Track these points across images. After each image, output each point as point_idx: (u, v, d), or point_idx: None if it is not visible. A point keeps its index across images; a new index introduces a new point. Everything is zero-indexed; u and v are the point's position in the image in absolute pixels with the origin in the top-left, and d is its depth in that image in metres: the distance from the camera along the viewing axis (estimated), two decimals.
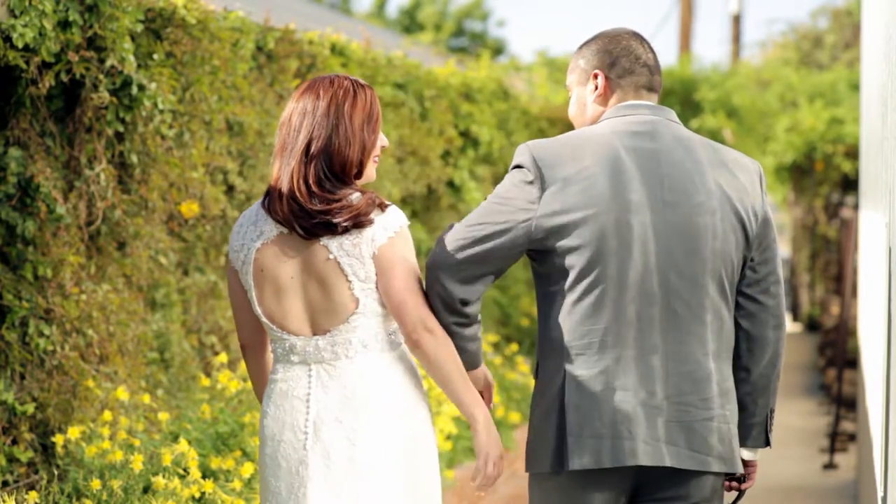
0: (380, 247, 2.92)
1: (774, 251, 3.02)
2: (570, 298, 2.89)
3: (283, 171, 2.95)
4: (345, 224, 2.89)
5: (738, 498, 3.15)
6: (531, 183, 2.88)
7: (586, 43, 3.08)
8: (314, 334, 2.98)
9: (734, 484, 3.10)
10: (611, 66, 3.02)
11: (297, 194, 2.91)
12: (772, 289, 3.02)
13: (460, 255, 2.89)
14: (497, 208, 2.89)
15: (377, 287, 2.95)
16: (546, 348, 2.95)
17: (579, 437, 2.85)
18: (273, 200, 2.95)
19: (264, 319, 3.02)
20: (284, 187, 2.93)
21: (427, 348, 2.91)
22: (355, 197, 2.91)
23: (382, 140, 3.05)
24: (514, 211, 2.87)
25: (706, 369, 2.91)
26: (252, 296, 3.02)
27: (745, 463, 3.10)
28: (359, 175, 2.98)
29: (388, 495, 2.95)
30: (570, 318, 2.89)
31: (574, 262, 2.86)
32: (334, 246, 2.92)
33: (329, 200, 2.90)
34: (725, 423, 2.93)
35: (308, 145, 2.93)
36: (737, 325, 3.02)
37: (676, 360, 2.89)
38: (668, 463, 2.86)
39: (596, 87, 3.03)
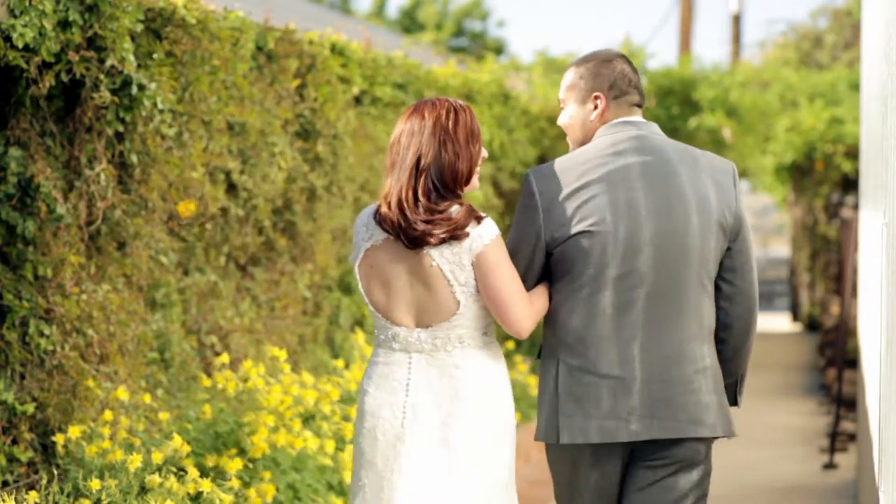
0: (477, 254, 3.30)
1: (748, 241, 3.43)
2: (567, 296, 3.35)
3: (393, 185, 3.32)
4: (443, 236, 3.28)
5: None
6: (534, 206, 3.34)
7: (583, 62, 3.49)
8: (417, 327, 3.38)
9: None
10: (609, 88, 3.44)
11: (405, 204, 3.29)
12: (747, 275, 3.43)
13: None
14: (517, 236, 3.38)
15: (476, 290, 3.34)
16: (546, 338, 3.43)
17: (570, 419, 3.33)
18: (382, 212, 3.33)
19: (372, 308, 3.42)
20: (393, 200, 3.31)
21: (525, 335, 3.36)
22: (455, 210, 3.30)
23: (483, 152, 3.40)
24: (529, 234, 3.36)
25: (683, 352, 3.34)
26: (361, 287, 3.42)
27: None
28: (467, 183, 3.36)
29: (474, 472, 3.37)
30: (564, 312, 3.36)
31: (570, 265, 3.32)
32: (436, 254, 3.30)
33: (433, 211, 3.29)
34: (707, 395, 3.36)
35: (417, 161, 3.30)
36: (717, 305, 3.43)
37: (656, 346, 3.32)
38: (649, 436, 3.31)
39: (595, 107, 3.44)
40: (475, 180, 3.38)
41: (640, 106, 3.47)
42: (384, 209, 3.33)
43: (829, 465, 7.69)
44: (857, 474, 7.00)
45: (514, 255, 3.38)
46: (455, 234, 3.28)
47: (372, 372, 3.45)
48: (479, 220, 3.30)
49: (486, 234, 3.30)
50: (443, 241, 3.28)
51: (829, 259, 15.33)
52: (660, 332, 3.33)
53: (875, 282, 5.27)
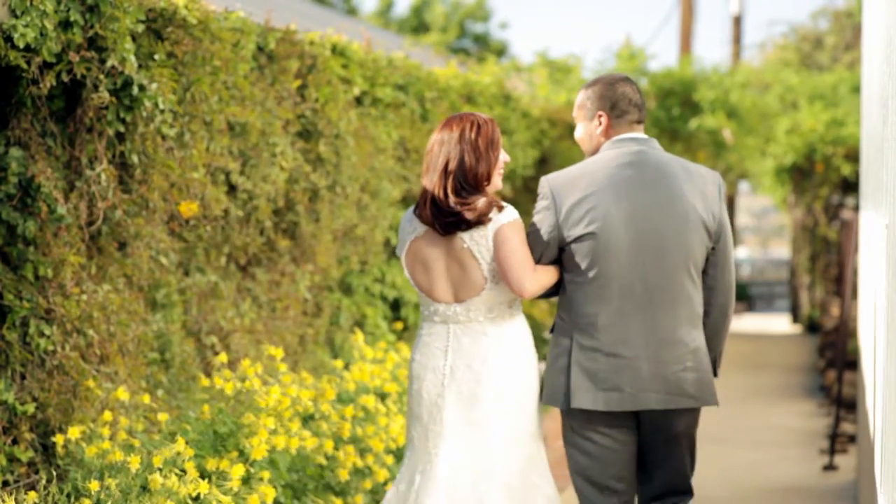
0: (495, 231, 4.02)
1: (728, 242, 4.09)
2: (578, 286, 4.01)
3: (428, 185, 4.06)
4: (470, 221, 4.00)
5: None
6: (549, 208, 4.01)
7: (591, 85, 4.13)
8: (454, 302, 4.10)
9: None
10: (611, 108, 4.08)
11: (438, 200, 4.03)
12: (723, 269, 4.10)
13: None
14: (536, 231, 4.03)
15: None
16: (561, 319, 4.07)
17: (580, 388, 3.99)
18: (420, 207, 4.08)
19: (417, 290, 4.16)
20: (428, 197, 4.05)
21: (526, 297, 4.03)
22: (481, 202, 4.02)
23: (504, 157, 4.13)
24: (545, 230, 4.01)
25: (677, 335, 4.00)
26: (406, 272, 4.16)
27: None
28: (488, 183, 4.08)
29: (504, 423, 4.07)
30: (577, 300, 4.01)
31: (581, 261, 3.98)
32: (467, 237, 4.04)
33: (462, 204, 4.02)
34: (695, 372, 4.03)
35: (446, 165, 4.04)
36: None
37: (654, 330, 3.98)
38: (651, 407, 3.98)
39: (600, 124, 4.10)
40: (496, 180, 4.10)
41: (640, 122, 4.11)
42: (421, 205, 4.07)
43: (829, 467, 7.69)
44: (857, 476, 7.00)
45: (532, 244, 4.03)
46: (480, 220, 4.00)
47: (418, 342, 4.20)
48: (500, 208, 4.04)
49: (504, 218, 4.03)
50: (470, 227, 4.01)
51: (830, 260, 15.33)
52: (657, 318, 3.98)
53: (875, 283, 5.27)
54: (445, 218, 4.02)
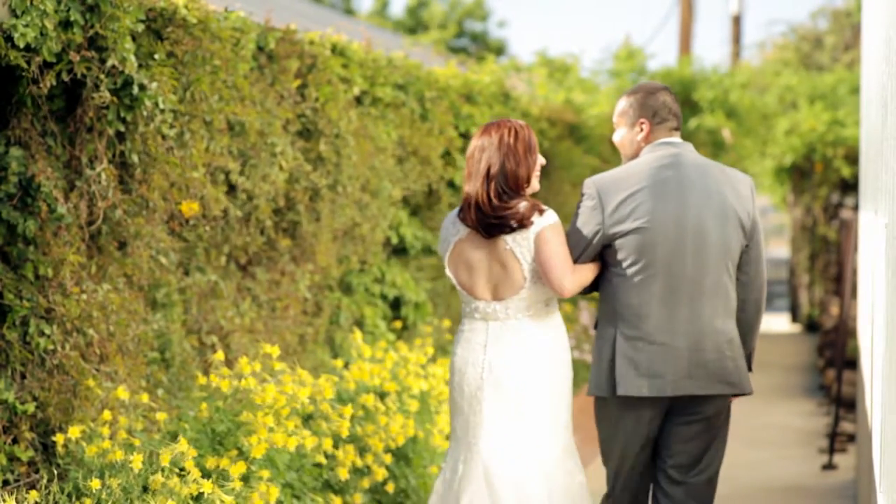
0: (536, 234, 4.26)
1: (761, 240, 4.38)
2: (622, 279, 4.26)
3: (471, 191, 4.30)
4: (513, 225, 4.25)
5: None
6: (595, 207, 4.27)
7: (633, 93, 4.41)
8: (493, 300, 4.33)
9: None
10: (653, 115, 4.37)
11: (482, 205, 4.27)
12: (757, 266, 4.37)
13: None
14: (578, 230, 4.28)
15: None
16: (604, 312, 4.34)
17: (625, 376, 4.23)
18: (464, 211, 4.33)
19: (458, 288, 4.41)
20: (472, 202, 4.29)
21: (566, 295, 4.26)
22: (522, 206, 4.26)
23: (540, 160, 4.36)
24: (590, 229, 4.26)
25: (715, 326, 4.26)
26: (449, 272, 4.41)
27: None
28: (528, 185, 4.32)
29: (538, 411, 4.31)
30: (621, 292, 4.26)
31: (627, 255, 4.23)
32: (510, 239, 4.28)
33: (504, 208, 4.25)
34: (732, 361, 4.30)
35: (488, 170, 4.27)
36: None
37: (694, 321, 4.23)
38: (689, 392, 4.23)
39: (641, 130, 4.38)
40: (535, 182, 4.33)
41: (677, 129, 4.39)
42: (465, 209, 4.30)
43: (829, 466, 7.70)
44: (857, 475, 7.00)
45: (574, 242, 4.28)
46: (522, 224, 4.24)
47: (459, 337, 4.44)
48: (541, 212, 4.27)
49: (545, 221, 4.26)
50: (513, 230, 4.24)
51: (829, 260, 15.33)
52: (697, 310, 4.22)
53: (875, 283, 5.27)
54: (490, 221, 4.25)
